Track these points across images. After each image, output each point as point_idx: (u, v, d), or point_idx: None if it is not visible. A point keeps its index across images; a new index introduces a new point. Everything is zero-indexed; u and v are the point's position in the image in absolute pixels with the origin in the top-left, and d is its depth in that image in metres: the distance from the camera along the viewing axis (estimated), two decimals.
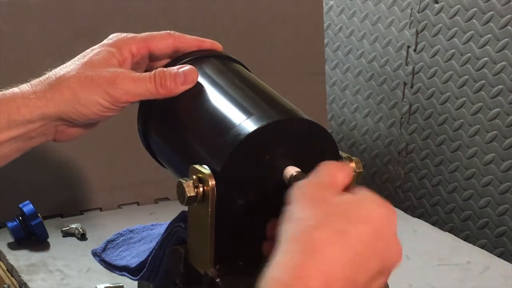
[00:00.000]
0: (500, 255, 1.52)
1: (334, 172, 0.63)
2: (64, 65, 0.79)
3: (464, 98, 1.63)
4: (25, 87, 0.78)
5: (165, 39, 0.80)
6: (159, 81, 0.75)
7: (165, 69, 0.76)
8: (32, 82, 0.78)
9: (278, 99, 0.75)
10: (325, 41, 1.90)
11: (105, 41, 0.80)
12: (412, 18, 1.74)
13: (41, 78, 0.78)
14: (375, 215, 0.60)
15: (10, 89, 0.78)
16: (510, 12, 1.52)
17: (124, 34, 0.80)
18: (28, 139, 0.78)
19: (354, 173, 0.74)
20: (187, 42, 0.82)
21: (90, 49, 0.79)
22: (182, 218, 0.77)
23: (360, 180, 0.76)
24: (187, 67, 0.77)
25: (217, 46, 0.83)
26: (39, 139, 0.79)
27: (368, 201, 0.61)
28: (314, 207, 0.59)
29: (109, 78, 0.74)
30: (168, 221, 0.80)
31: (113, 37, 0.80)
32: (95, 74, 0.75)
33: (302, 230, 0.57)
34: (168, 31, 0.81)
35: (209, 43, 0.82)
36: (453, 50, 1.65)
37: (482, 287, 1.27)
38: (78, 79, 0.76)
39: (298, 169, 0.67)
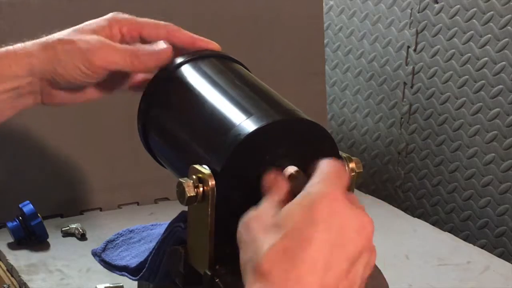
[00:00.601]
0: (500, 255, 1.52)
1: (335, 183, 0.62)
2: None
3: (464, 98, 1.63)
4: (18, 45, 0.84)
5: (158, 29, 0.82)
6: (136, 54, 0.77)
7: (143, 45, 0.79)
8: (26, 42, 0.81)
9: (278, 99, 0.75)
10: (325, 41, 1.90)
11: (102, 17, 0.83)
12: (412, 18, 1.74)
13: (36, 39, 0.82)
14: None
15: (5, 47, 0.84)
16: (510, 12, 1.52)
17: (121, 14, 0.83)
18: (18, 96, 0.83)
19: (354, 173, 0.74)
20: (181, 38, 0.83)
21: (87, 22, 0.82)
22: (182, 218, 0.77)
23: (360, 180, 0.76)
24: (164, 46, 0.79)
25: (213, 45, 0.83)
26: (28, 97, 0.84)
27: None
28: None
29: (90, 43, 0.77)
30: (168, 221, 0.80)
31: (111, 14, 0.83)
32: (79, 39, 0.78)
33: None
34: (166, 23, 0.82)
35: (204, 42, 0.82)
36: (453, 50, 1.65)
37: (482, 287, 1.27)
38: (62, 41, 0.79)
39: (298, 169, 0.67)
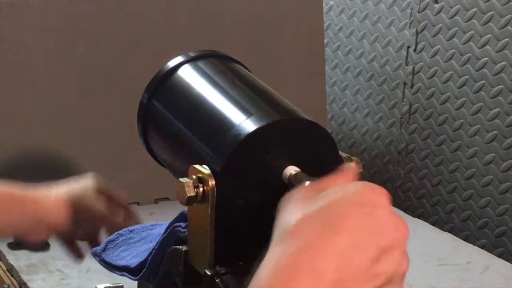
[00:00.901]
0: (500, 255, 1.52)
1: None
2: None
3: (464, 98, 1.63)
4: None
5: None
6: None
7: None
8: None
9: (278, 99, 0.75)
10: (325, 41, 1.90)
11: None
12: (412, 18, 1.74)
13: None
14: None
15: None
16: (510, 12, 1.52)
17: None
18: None
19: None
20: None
21: None
22: (182, 218, 0.77)
23: (360, 180, 0.76)
24: None
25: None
26: None
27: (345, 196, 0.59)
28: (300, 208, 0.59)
29: None
30: (168, 221, 0.80)
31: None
32: None
33: (288, 229, 0.58)
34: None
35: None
36: (453, 50, 1.65)
37: (482, 287, 1.27)
38: None
39: (298, 169, 0.67)
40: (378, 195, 0.58)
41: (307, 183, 0.63)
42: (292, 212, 0.58)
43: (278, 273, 0.54)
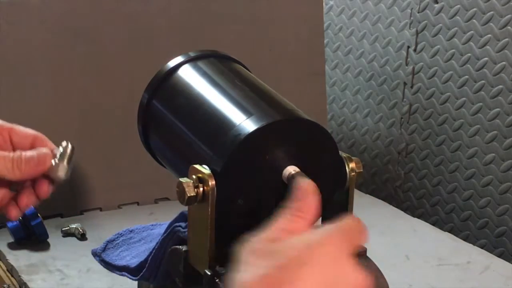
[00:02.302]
0: (500, 255, 1.52)
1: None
2: None
3: (464, 98, 1.63)
4: None
5: (26, 138, 0.78)
6: (16, 163, 0.74)
7: (23, 152, 0.75)
8: None
9: (278, 99, 0.75)
10: (325, 41, 1.90)
11: None
12: (412, 18, 1.74)
13: None
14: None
15: None
16: (510, 12, 1.52)
17: None
18: None
19: (354, 173, 0.74)
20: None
21: None
22: (182, 218, 0.78)
23: (360, 180, 0.76)
24: (42, 150, 0.76)
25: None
26: None
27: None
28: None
29: None
30: (168, 221, 0.80)
31: None
32: None
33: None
34: (36, 133, 0.79)
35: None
36: (453, 50, 1.65)
37: (482, 287, 1.27)
38: None
39: (298, 169, 0.67)
40: (335, 248, 0.54)
41: (260, 234, 0.57)
42: (246, 270, 0.54)
43: None
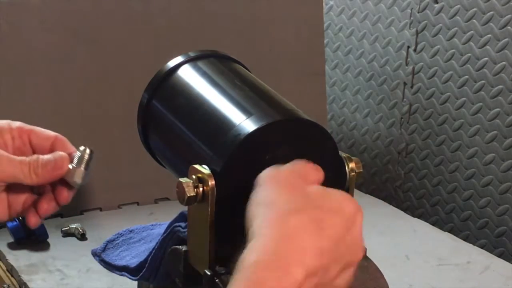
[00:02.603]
0: (500, 255, 1.52)
1: (307, 167, 0.66)
2: None
3: (464, 98, 1.63)
4: None
5: (47, 140, 0.77)
6: (33, 167, 0.73)
7: (40, 156, 0.74)
8: None
9: (278, 99, 0.75)
10: (325, 41, 1.90)
11: None
12: (412, 18, 1.74)
13: None
14: (346, 208, 0.62)
15: None
16: (510, 12, 1.52)
17: (12, 122, 0.77)
18: None
19: (354, 173, 0.74)
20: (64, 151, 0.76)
21: None
22: (182, 218, 0.78)
23: (360, 180, 0.76)
24: (59, 154, 0.74)
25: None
26: None
27: (339, 194, 0.64)
28: (289, 193, 0.62)
29: None
30: (168, 221, 0.80)
31: (4, 121, 0.77)
32: None
33: (278, 215, 0.59)
34: (56, 134, 0.78)
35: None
36: (453, 50, 1.65)
37: (482, 287, 1.27)
38: None
39: None
40: (357, 211, 0.63)
41: (289, 165, 0.66)
42: (280, 198, 0.61)
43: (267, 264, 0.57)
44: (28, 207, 0.76)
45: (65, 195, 0.75)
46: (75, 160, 0.74)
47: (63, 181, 0.74)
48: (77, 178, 0.74)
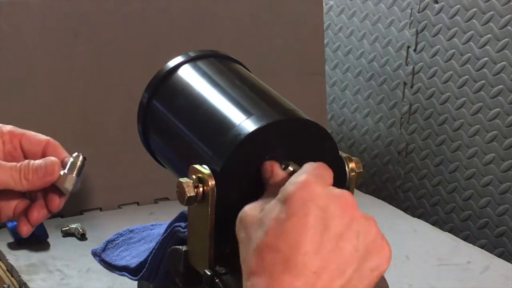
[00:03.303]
0: (500, 255, 1.52)
1: (324, 170, 0.64)
2: None
3: (464, 98, 1.63)
4: None
5: (38, 144, 0.75)
6: (23, 173, 0.71)
7: (31, 161, 0.72)
8: None
9: (278, 99, 0.75)
10: (325, 41, 1.90)
11: None
12: (412, 18, 1.74)
13: None
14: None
15: None
16: (510, 12, 1.52)
17: (2, 125, 0.76)
18: None
19: (354, 173, 0.74)
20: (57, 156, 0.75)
21: None
22: (182, 218, 0.77)
23: (360, 180, 0.76)
24: (50, 159, 0.72)
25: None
26: None
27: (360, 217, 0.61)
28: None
29: None
30: (168, 221, 0.80)
31: None
32: None
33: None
34: (47, 138, 0.76)
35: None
36: (453, 50, 1.65)
37: (482, 287, 1.27)
38: None
39: (298, 167, 0.67)
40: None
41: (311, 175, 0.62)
42: (247, 243, 0.60)
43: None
44: (20, 212, 0.75)
45: (57, 202, 0.74)
46: (67, 166, 0.73)
47: (54, 188, 0.73)
48: (68, 185, 0.72)
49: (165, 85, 0.81)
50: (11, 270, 1.26)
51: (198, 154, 0.72)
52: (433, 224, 1.63)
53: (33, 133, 0.76)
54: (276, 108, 0.72)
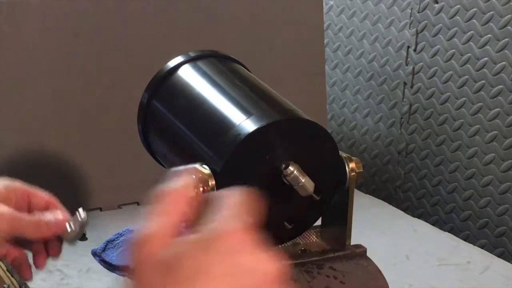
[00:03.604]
0: (500, 255, 1.52)
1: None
2: None
3: (464, 98, 1.63)
4: None
5: (43, 201, 0.85)
6: (38, 224, 0.81)
7: (42, 215, 0.82)
8: None
9: (278, 99, 0.75)
10: (325, 41, 1.90)
11: None
12: (412, 18, 1.74)
13: None
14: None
15: None
16: (510, 12, 1.52)
17: (15, 182, 0.86)
18: None
19: (354, 173, 0.74)
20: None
21: None
22: None
23: (360, 180, 0.76)
24: (59, 214, 0.83)
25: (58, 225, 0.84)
26: None
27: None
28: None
29: (3, 213, 0.80)
30: None
31: (6, 182, 0.85)
32: None
33: None
34: (49, 196, 0.85)
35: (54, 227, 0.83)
36: (453, 50, 1.65)
37: (482, 287, 1.27)
38: None
39: (298, 167, 0.67)
40: (229, 240, 0.48)
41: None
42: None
43: None
44: (19, 263, 0.86)
45: (57, 250, 0.84)
46: (72, 221, 0.82)
47: (55, 237, 0.82)
48: (73, 239, 0.82)
49: (165, 85, 0.81)
50: (11, 270, 1.26)
51: (198, 154, 0.72)
52: (433, 224, 1.63)
53: (38, 190, 0.85)
54: (276, 108, 0.72)
